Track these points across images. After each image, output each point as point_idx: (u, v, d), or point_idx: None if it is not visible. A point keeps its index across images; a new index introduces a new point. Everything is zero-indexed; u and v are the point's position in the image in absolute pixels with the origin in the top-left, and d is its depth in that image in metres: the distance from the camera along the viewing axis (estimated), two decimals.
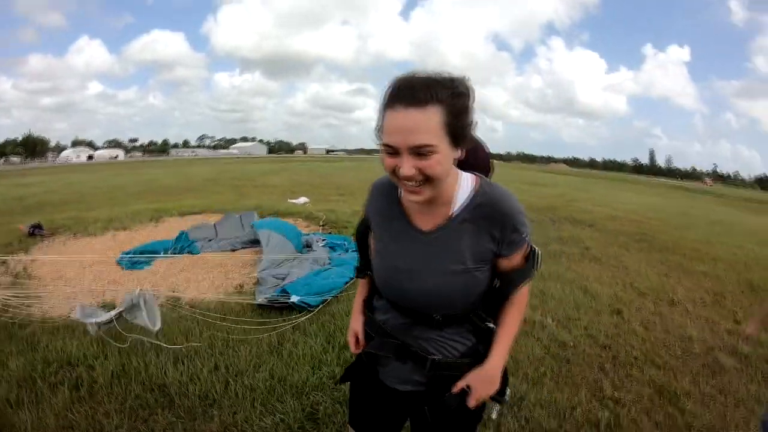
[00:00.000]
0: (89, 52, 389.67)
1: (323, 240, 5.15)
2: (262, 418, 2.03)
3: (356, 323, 1.17)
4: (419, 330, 1.02)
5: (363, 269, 1.18)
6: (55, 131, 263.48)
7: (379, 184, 1.07)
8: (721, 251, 6.62)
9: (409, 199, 0.90)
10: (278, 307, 3.20)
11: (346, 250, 4.80)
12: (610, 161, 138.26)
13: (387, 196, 1.03)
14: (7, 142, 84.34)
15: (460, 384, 1.00)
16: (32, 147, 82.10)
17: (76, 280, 3.90)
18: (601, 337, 3.14)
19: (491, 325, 1.01)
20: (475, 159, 0.97)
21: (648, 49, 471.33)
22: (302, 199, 9.48)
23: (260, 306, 3.26)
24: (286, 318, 3.04)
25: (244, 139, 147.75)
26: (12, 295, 3.31)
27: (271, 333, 2.82)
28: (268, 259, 4.26)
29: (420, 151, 0.81)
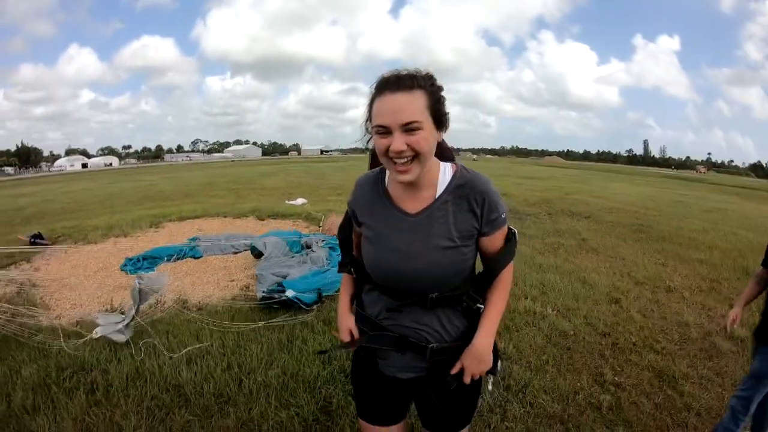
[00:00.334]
0: (80, 60, 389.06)
1: (323, 240, 5.20)
2: (277, 412, 2.09)
3: (348, 320, 1.18)
4: (414, 315, 1.06)
5: (346, 264, 1.20)
6: (48, 141, 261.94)
7: (364, 178, 1.14)
8: (716, 238, 6.73)
9: (398, 179, 0.97)
10: (285, 307, 3.26)
11: None
12: (605, 153, 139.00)
13: (372, 188, 1.10)
14: (1, 153, 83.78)
15: (458, 365, 1.08)
16: (26, 157, 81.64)
17: (81, 287, 3.94)
18: (601, 325, 3.23)
19: (481, 306, 1.08)
20: (442, 157, 1.06)
21: (638, 40, 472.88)
22: (300, 200, 9.52)
23: (266, 306, 3.31)
24: (293, 316, 3.10)
25: (238, 142, 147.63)
26: (16, 306, 3.34)
27: (280, 332, 2.88)
28: (268, 258, 4.33)
29: (409, 127, 0.91)
